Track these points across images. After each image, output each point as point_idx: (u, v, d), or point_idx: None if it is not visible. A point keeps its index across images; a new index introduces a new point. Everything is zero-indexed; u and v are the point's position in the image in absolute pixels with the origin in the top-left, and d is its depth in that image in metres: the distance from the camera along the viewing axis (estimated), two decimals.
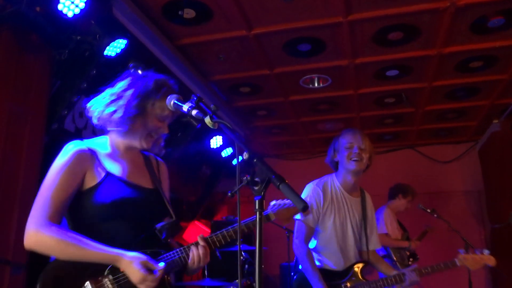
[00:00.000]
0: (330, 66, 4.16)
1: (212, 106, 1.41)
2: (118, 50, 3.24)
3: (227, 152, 5.95)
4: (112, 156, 1.74)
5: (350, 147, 2.93)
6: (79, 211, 1.61)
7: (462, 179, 6.67)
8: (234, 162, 6.31)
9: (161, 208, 1.75)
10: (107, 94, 1.72)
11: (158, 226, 1.68)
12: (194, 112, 1.47)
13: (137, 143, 1.74)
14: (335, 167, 3.03)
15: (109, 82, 1.82)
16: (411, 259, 4.63)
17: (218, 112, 4.97)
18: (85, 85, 3.33)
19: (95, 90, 3.08)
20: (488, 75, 4.34)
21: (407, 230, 5.02)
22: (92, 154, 1.69)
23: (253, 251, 5.23)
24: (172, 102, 1.58)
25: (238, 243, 1.39)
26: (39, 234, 1.50)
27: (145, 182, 1.76)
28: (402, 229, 5.01)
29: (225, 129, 1.32)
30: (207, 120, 1.38)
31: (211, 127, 1.38)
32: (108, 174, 1.67)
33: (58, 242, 1.50)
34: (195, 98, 1.50)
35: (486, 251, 3.15)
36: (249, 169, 5.65)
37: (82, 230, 1.58)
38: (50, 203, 1.55)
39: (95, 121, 1.71)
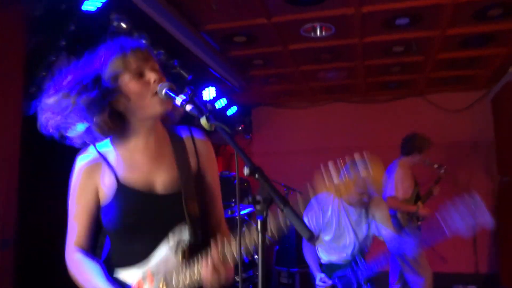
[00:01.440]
0: (334, 15, 4.06)
1: (207, 105, 1.40)
2: (99, 4, 3.14)
3: (220, 103, 5.95)
4: (126, 158, 1.62)
5: (360, 194, 3.31)
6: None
7: (472, 130, 6.74)
8: (228, 113, 6.33)
9: (180, 216, 1.57)
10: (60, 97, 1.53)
11: (173, 238, 1.58)
12: (188, 107, 1.45)
13: (150, 110, 1.57)
14: None
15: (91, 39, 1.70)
16: (419, 222, 4.77)
17: (210, 61, 4.98)
18: (64, 43, 3.25)
19: (75, 48, 3.01)
20: (507, 23, 4.27)
21: (418, 184, 5.04)
22: (101, 162, 1.62)
23: (251, 214, 5.40)
24: (163, 92, 1.57)
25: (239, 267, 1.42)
26: (67, 263, 1.61)
27: (165, 186, 1.61)
28: (415, 182, 4.99)
29: (224, 134, 1.33)
30: (203, 120, 1.38)
31: (207, 128, 1.38)
32: (120, 186, 1.59)
33: (72, 274, 1.60)
34: (189, 92, 1.48)
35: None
36: (240, 120, 5.65)
37: (113, 250, 1.64)
38: (74, 228, 1.60)
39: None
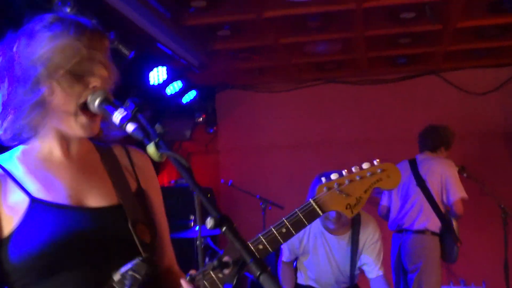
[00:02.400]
0: None
1: (157, 127, 1.36)
2: None
3: (173, 88, 5.90)
4: (41, 168, 1.61)
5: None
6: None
7: (503, 116, 6.88)
8: (184, 100, 6.28)
9: (124, 237, 1.58)
10: None
11: (117, 274, 1.53)
12: (130, 127, 1.41)
13: (70, 130, 1.58)
14: None
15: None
16: None
17: (158, 33, 4.90)
18: None
19: None
20: None
21: None
22: (4, 176, 1.57)
23: (216, 236, 5.40)
24: (96, 103, 1.51)
25: None
26: None
27: (99, 197, 1.62)
28: None
29: (179, 169, 1.28)
30: (151, 148, 1.34)
31: (156, 159, 1.34)
32: (34, 201, 1.54)
33: None
34: (132, 106, 1.43)
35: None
36: (203, 107, 5.65)
37: None
38: None
39: None
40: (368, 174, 1.80)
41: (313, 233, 3.95)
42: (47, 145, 1.62)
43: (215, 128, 7.31)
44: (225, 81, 7.19)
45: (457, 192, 4.96)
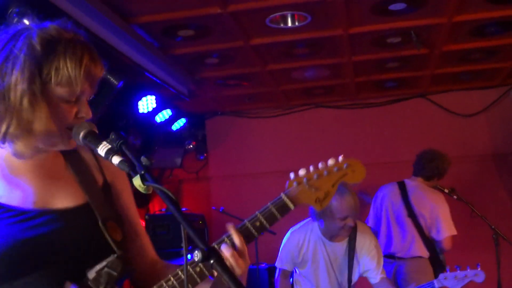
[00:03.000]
0: (309, 1, 4.09)
1: (142, 159, 1.35)
2: None
3: (163, 116, 5.91)
4: (6, 173, 1.58)
5: (344, 220, 3.77)
6: None
7: (492, 138, 6.93)
8: (174, 127, 6.29)
9: (95, 235, 1.57)
10: None
11: (92, 272, 1.52)
12: (115, 160, 1.41)
13: (51, 147, 1.58)
14: (317, 219, 3.97)
15: None
16: None
17: (146, 62, 4.92)
18: None
19: None
20: None
21: None
22: None
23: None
24: (81, 136, 1.51)
25: None
26: None
27: (65, 198, 1.60)
28: None
29: (166, 201, 1.28)
30: (137, 181, 1.33)
31: (142, 191, 1.34)
32: None
33: None
34: (117, 138, 1.43)
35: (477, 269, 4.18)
36: (193, 135, 5.65)
37: None
38: None
39: None
40: (335, 169, 1.86)
41: (312, 240, 4.00)
42: (11, 151, 1.57)
43: (205, 155, 7.30)
44: (214, 108, 7.21)
45: (447, 230, 4.97)
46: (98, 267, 1.51)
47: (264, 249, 6.11)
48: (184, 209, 5.96)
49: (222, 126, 7.39)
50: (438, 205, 5.06)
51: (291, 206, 1.77)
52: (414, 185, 5.23)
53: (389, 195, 5.24)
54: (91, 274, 1.51)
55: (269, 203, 1.77)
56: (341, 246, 3.98)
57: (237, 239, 1.68)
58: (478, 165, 6.88)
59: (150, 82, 5.26)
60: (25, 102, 1.46)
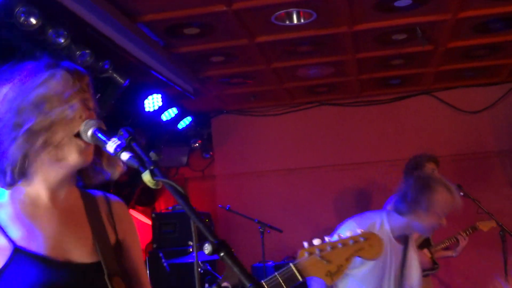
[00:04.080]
0: None
1: (151, 154, 1.35)
2: None
3: (169, 114, 5.90)
4: (27, 214, 1.55)
5: (440, 220, 3.17)
6: None
7: (495, 135, 6.90)
8: (180, 126, 6.29)
9: None
10: None
11: None
12: (124, 156, 1.40)
13: (66, 159, 1.56)
14: (397, 209, 3.25)
15: None
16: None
17: (152, 61, 4.92)
18: None
19: None
20: None
21: None
22: None
23: (215, 261, 5.35)
24: (89, 133, 1.50)
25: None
26: None
27: (81, 252, 1.58)
28: None
29: (175, 195, 1.27)
30: (146, 176, 1.32)
31: (151, 186, 1.33)
32: (17, 251, 1.48)
33: None
34: (126, 135, 1.42)
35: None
36: (198, 133, 5.64)
37: None
38: None
39: None
40: (350, 242, 1.82)
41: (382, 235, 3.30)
42: (34, 191, 1.57)
43: (211, 153, 7.30)
44: (219, 107, 7.21)
45: None
46: None
47: (271, 247, 6.11)
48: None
49: (227, 124, 7.39)
50: None
51: (299, 278, 1.74)
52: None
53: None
54: None
55: (276, 273, 1.73)
56: (399, 248, 3.37)
57: None
58: (483, 162, 6.85)
59: (155, 81, 5.26)
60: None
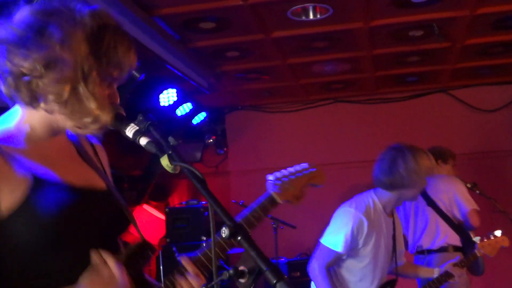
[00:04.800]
0: None
1: (170, 139, 1.36)
2: None
3: (183, 109, 5.92)
4: (33, 145, 1.53)
5: (425, 182, 3.52)
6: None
7: None
8: (194, 121, 6.31)
9: (120, 218, 1.66)
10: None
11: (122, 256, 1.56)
12: (143, 141, 1.42)
13: (70, 125, 1.54)
14: (385, 187, 3.49)
15: None
16: None
17: (167, 55, 4.95)
18: None
19: None
20: None
21: None
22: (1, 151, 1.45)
23: (228, 256, 5.37)
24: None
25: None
26: None
27: (95, 180, 1.64)
28: None
29: (193, 179, 1.29)
30: (164, 160, 1.34)
31: (170, 171, 1.35)
32: (37, 180, 1.46)
33: None
34: (144, 120, 1.44)
35: (498, 232, 4.25)
36: (213, 129, 5.64)
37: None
38: None
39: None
40: (305, 172, 2.22)
41: (377, 218, 3.48)
42: (35, 127, 1.55)
43: (225, 149, 7.31)
44: (234, 103, 7.23)
45: (468, 205, 4.88)
46: (128, 251, 1.59)
47: (284, 243, 6.12)
48: (203, 202, 5.97)
49: (241, 120, 7.41)
50: (452, 186, 5.03)
51: (279, 200, 2.06)
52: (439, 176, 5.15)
53: None
54: (122, 257, 1.55)
55: (261, 198, 2.04)
56: (390, 221, 3.60)
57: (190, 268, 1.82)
58: (499, 160, 6.83)
59: (171, 75, 5.28)
60: (81, 74, 1.47)
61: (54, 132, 1.57)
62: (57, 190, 1.49)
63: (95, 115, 1.49)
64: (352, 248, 3.40)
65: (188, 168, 1.30)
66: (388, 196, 3.49)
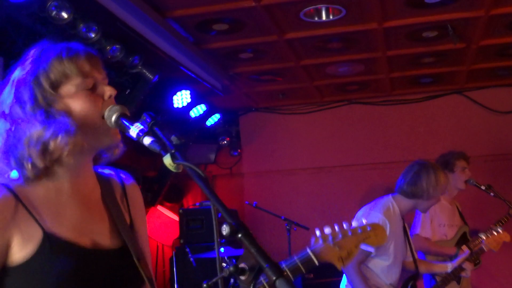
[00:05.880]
0: None
1: (173, 138, 1.37)
2: None
3: (197, 111, 5.94)
4: (51, 201, 1.55)
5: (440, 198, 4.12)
6: None
7: None
8: (208, 123, 6.33)
9: (132, 276, 1.63)
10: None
11: None
12: (147, 140, 1.43)
13: (97, 141, 1.60)
14: (406, 195, 3.96)
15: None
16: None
17: (181, 57, 4.96)
18: None
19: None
20: None
21: (467, 223, 5.13)
22: (16, 203, 1.49)
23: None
24: (113, 118, 1.53)
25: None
26: None
27: (106, 236, 1.62)
28: (462, 220, 5.12)
29: (195, 178, 1.29)
30: (167, 159, 1.35)
31: (172, 169, 1.35)
32: (48, 237, 1.48)
33: None
34: (148, 119, 1.45)
35: (498, 228, 4.61)
36: (227, 131, 5.63)
37: None
38: None
39: None
40: (359, 231, 2.04)
41: (396, 219, 3.92)
42: (56, 175, 1.57)
43: (239, 151, 7.32)
44: (248, 104, 7.23)
45: (416, 228, 4.79)
46: None
47: (297, 244, 6.10)
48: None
49: (256, 122, 7.41)
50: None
51: (316, 262, 1.92)
52: None
53: None
54: None
55: (295, 257, 1.91)
56: (402, 223, 4.06)
57: None
58: None
59: (185, 77, 5.30)
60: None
61: (75, 174, 1.60)
62: (64, 250, 1.50)
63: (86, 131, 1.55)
64: (379, 248, 3.77)
65: (190, 166, 1.31)
66: (405, 202, 3.96)
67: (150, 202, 6.26)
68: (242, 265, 1.19)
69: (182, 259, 5.43)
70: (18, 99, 1.53)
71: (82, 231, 1.57)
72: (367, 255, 3.84)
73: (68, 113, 1.53)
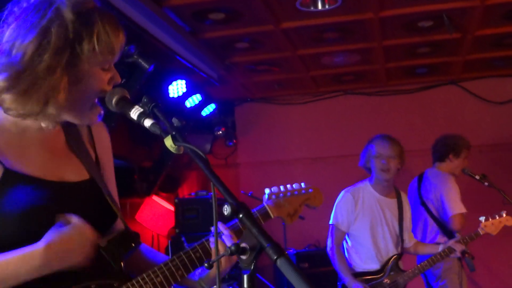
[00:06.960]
0: None
1: (174, 120, 1.39)
2: None
3: (193, 101, 5.94)
4: (13, 135, 1.59)
5: (378, 157, 4.34)
6: None
7: None
8: (204, 113, 6.33)
9: (102, 209, 1.68)
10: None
11: (103, 241, 1.61)
12: (147, 122, 1.45)
13: (76, 119, 1.63)
14: (369, 171, 4.45)
15: None
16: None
17: (177, 46, 4.96)
18: None
19: None
20: None
21: None
22: None
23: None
24: (114, 101, 1.56)
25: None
26: None
27: (72, 172, 1.66)
28: None
29: (196, 160, 1.31)
30: (168, 141, 1.37)
31: (173, 151, 1.37)
32: (8, 172, 1.52)
33: None
34: (149, 102, 1.48)
35: (503, 212, 4.66)
36: (222, 121, 5.66)
37: None
38: None
39: None
40: (302, 192, 2.21)
41: (366, 197, 4.39)
42: (24, 123, 1.59)
43: (234, 141, 7.33)
44: (244, 95, 7.24)
45: (450, 210, 4.81)
46: (109, 237, 1.63)
47: (292, 234, 6.15)
48: (212, 193, 6.00)
49: (251, 112, 7.42)
50: (440, 185, 4.96)
51: (272, 215, 2.04)
52: (430, 172, 5.17)
53: (410, 190, 5.23)
54: (103, 242, 1.60)
55: (254, 210, 2.01)
56: (393, 203, 4.41)
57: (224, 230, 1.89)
58: (510, 153, 6.78)
59: (180, 66, 5.29)
60: (58, 73, 1.50)
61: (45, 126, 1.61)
62: (26, 184, 1.53)
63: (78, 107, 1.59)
64: (347, 223, 4.31)
65: (191, 148, 1.33)
66: (372, 178, 4.45)
67: (145, 192, 6.27)
68: (243, 244, 1.22)
69: (178, 248, 5.46)
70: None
71: (47, 170, 1.61)
72: (338, 230, 4.32)
73: (75, 80, 1.53)
